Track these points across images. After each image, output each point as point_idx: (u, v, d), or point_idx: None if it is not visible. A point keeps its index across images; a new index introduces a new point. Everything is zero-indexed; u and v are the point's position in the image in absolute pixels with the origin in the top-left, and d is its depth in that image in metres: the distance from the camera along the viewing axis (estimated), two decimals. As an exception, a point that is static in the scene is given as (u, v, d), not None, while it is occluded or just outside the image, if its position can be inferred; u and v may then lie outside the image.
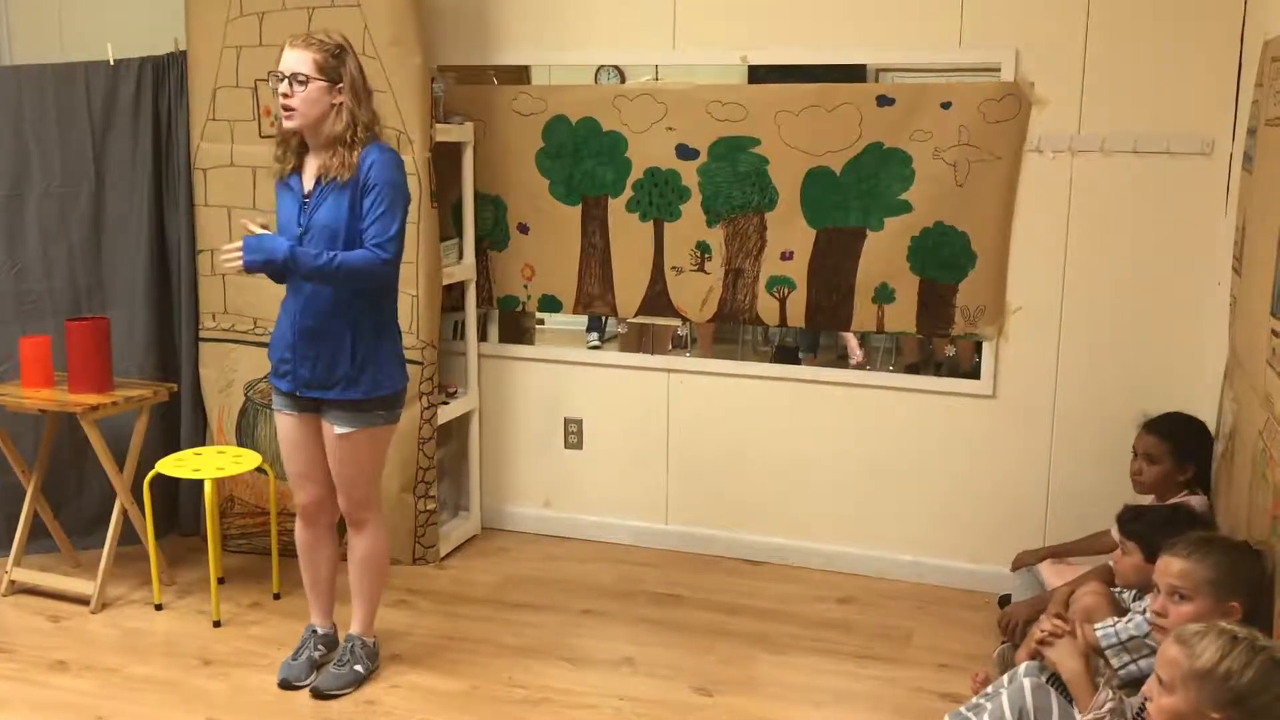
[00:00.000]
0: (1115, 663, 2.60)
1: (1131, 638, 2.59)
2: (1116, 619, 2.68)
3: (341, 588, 3.42)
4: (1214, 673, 1.96)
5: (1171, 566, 2.41)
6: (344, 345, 3.06)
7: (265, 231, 2.97)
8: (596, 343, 4.69)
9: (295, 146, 3.07)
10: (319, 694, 3.25)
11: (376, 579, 3.35)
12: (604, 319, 4.67)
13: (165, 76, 4.17)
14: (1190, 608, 2.36)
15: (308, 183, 3.06)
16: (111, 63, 4.12)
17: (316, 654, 3.39)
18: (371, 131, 3.04)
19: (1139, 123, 3.60)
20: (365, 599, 3.35)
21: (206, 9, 4.02)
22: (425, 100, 3.91)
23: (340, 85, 2.98)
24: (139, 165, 4.16)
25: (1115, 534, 2.95)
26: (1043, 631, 2.59)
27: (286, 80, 2.94)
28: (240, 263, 2.93)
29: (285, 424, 3.21)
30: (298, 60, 2.94)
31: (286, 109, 2.97)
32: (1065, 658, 2.53)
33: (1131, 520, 2.88)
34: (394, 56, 3.86)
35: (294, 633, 3.58)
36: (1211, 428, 3.34)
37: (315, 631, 3.43)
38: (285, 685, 3.30)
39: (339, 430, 3.13)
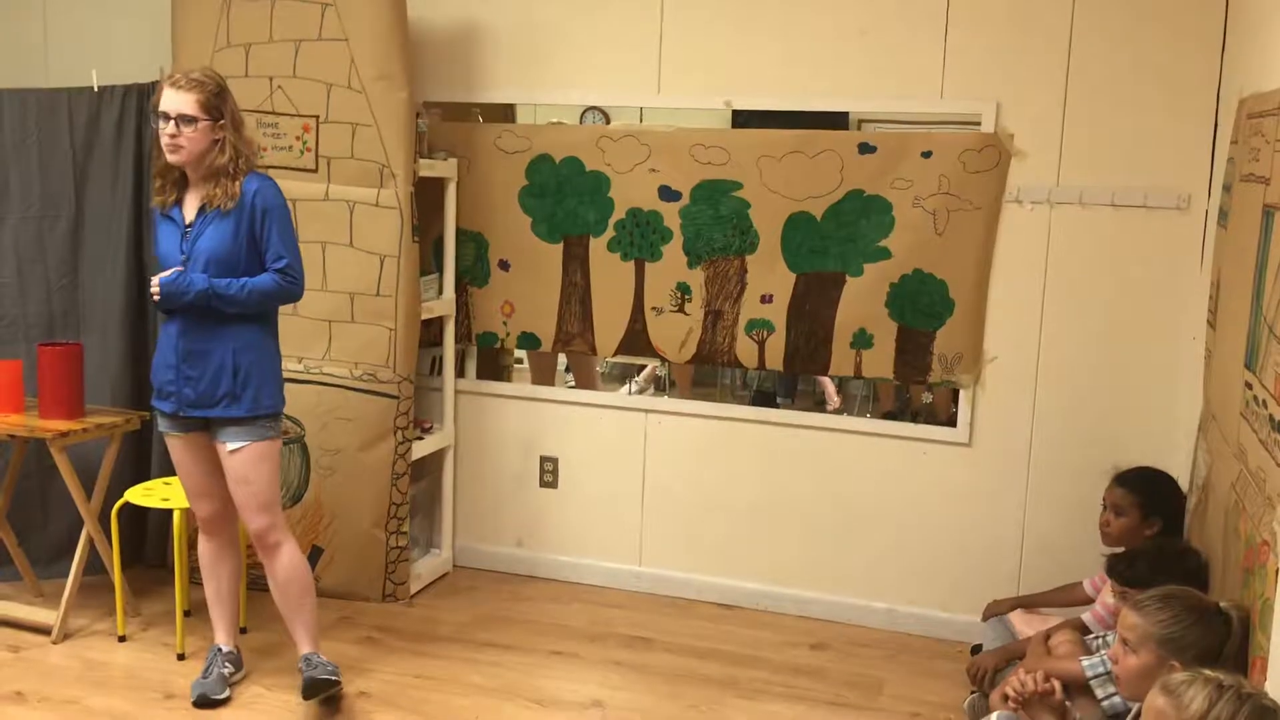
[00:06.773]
0: (1100, 693, 2.60)
1: None
2: (1104, 650, 2.68)
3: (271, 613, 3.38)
4: None
5: (1127, 618, 2.43)
6: (225, 364, 3.19)
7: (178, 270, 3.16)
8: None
9: (175, 179, 3.21)
10: (313, 690, 3.24)
11: (304, 597, 3.36)
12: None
13: (149, 104, 4.16)
14: (1135, 660, 2.37)
15: (189, 214, 3.21)
16: (95, 89, 4.12)
17: (226, 670, 3.42)
18: (250, 162, 3.22)
19: (1117, 177, 3.65)
20: (303, 621, 3.37)
21: (193, 39, 4.03)
22: (409, 135, 3.92)
23: (222, 121, 3.15)
24: (119, 191, 4.14)
25: (1112, 585, 2.91)
26: (1016, 690, 2.59)
27: (174, 121, 3.10)
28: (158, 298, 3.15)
29: (174, 445, 3.33)
30: (182, 101, 3.10)
31: (174, 147, 3.12)
32: (1041, 715, 2.53)
33: (1126, 567, 2.86)
34: (379, 91, 3.87)
35: (259, 668, 3.54)
36: (1185, 480, 3.35)
37: (220, 650, 3.45)
38: (203, 702, 3.32)
39: (231, 446, 3.24)
